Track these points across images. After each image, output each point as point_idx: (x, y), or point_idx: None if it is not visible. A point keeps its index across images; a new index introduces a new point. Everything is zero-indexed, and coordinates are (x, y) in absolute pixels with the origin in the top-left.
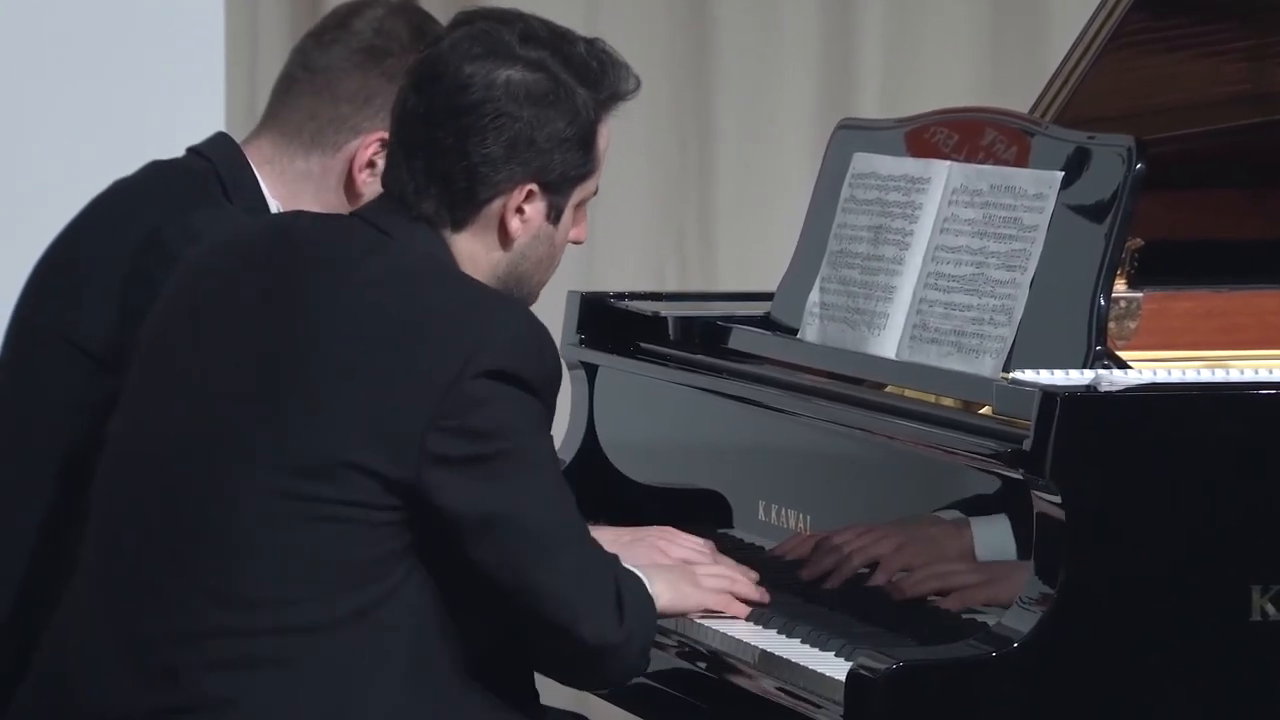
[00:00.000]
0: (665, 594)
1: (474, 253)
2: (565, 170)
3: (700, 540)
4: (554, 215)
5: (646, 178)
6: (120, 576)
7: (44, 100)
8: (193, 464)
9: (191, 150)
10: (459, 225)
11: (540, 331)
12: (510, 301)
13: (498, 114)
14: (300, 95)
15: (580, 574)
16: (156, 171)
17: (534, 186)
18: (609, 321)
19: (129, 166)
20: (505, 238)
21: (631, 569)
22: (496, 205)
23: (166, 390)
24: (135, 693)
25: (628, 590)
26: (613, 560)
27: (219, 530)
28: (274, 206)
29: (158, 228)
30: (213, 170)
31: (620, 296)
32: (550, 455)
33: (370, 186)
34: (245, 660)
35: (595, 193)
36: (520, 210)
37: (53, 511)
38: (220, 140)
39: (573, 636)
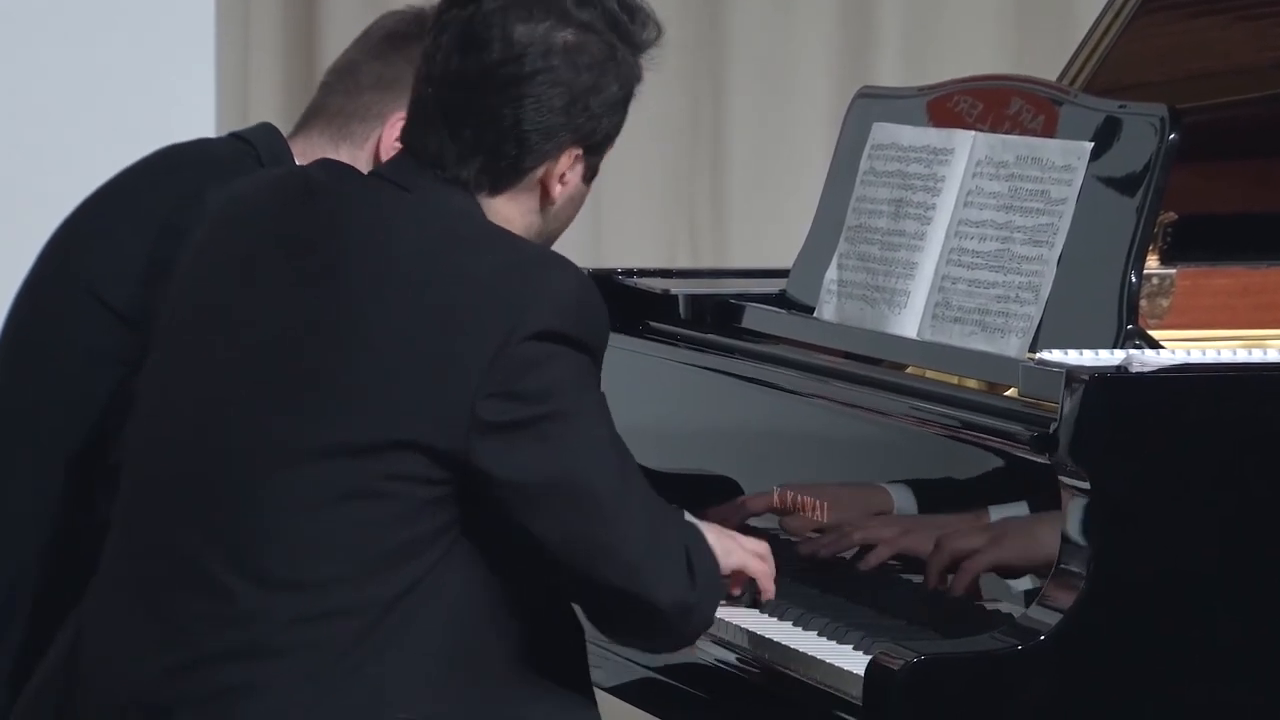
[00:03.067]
0: (714, 546)
1: (509, 216)
2: (609, 132)
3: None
4: (589, 175)
5: (657, 150)
6: (149, 554)
7: (32, 94)
8: (228, 440)
9: (233, 135)
10: (496, 191)
11: (588, 288)
12: (556, 259)
13: (556, 82)
14: (328, 95)
15: (650, 534)
16: (196, 144)
17: (580, 151)
18: (617, 299)
19: (118, 159)
20: (546, 202)
21: (690, 519)
22: (540, 172)
23: (194, 364)
24: (163, 674)
25: (695, 545)
26: (677, 514)
27: (255, 508)
28: None
29: (198, 188)
30: (253, 153)
31: (629, 273)
32: (604, 412)
33: None
34: (277, 642)
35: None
36: (563, 175)
37: (71, 466)
38: (263, 128)
39: (647, 601)
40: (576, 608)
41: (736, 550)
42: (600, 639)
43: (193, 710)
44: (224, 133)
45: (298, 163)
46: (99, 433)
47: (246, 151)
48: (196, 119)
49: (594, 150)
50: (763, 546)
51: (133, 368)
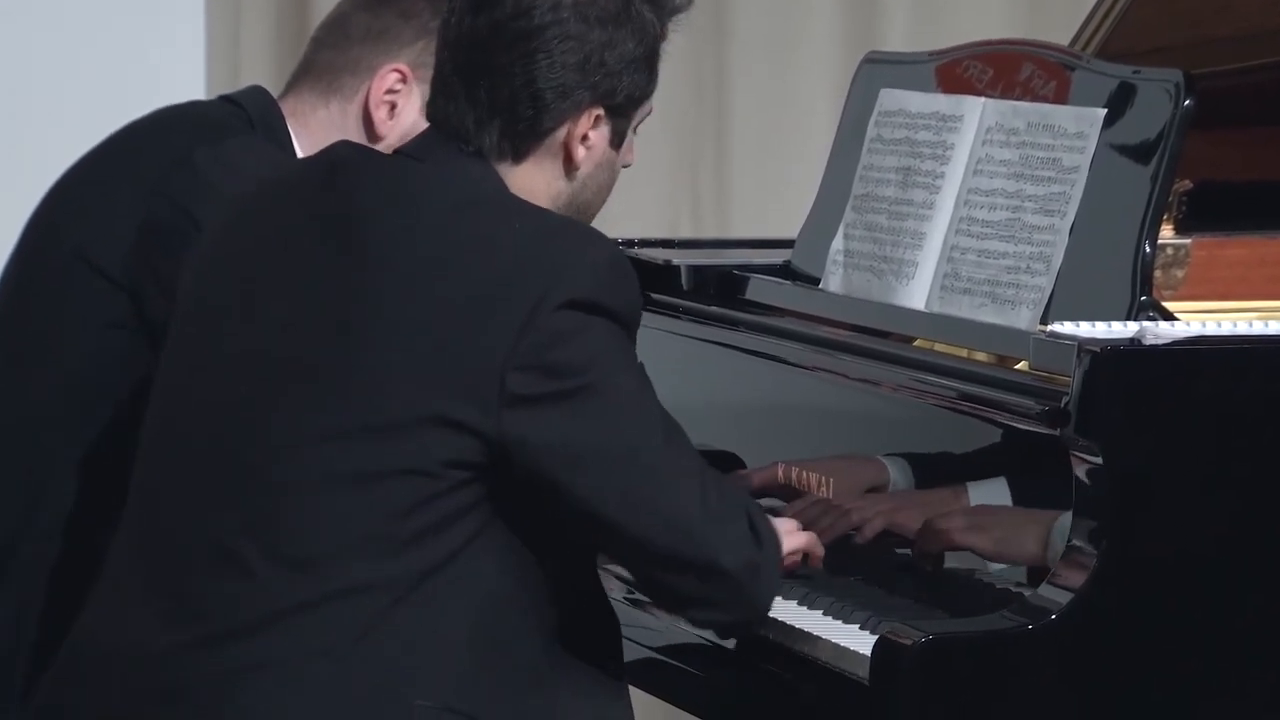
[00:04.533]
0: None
1: (533, 185)
2: (631, 92)
3: None
4: (617, 140)
5: (658, 117)
6: (165, 533)
7: (21, 59)
8: (251, 422)
9: (224, 98)
10: (520, 157)
11: (620, 259)
12: (586, 228)
13: (566, 36)
14: (317, 50)
15: (704, 497)
16: (186, 106)
17: (600, 111)
18: None
19: (108, 124)
20: (570, 166)
21: None
22: (561, 133)
23: (215, 347)
24: (175, 651)
25: (756, 507)
26: (724, 479)
27: (279, 486)
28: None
29: (189, 150)
30: (245, 116)
31: (630, 243)
32: (643, 381)
33: (388, 127)
34: (295, 619)
35: (649, 113)
36: (585, 137)
37: (69, 437)
38: (253, 90)
39: (713, 565)
40: (615, 598)
41: (790, 534)
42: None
43: (207, 688)
44: (214, 97)
45: (289, 122)
46: (95, 400)
47: (236, 114)
48: (186, 84)
49: (617, 111)
50: (794, 527)
51: (128, 332)
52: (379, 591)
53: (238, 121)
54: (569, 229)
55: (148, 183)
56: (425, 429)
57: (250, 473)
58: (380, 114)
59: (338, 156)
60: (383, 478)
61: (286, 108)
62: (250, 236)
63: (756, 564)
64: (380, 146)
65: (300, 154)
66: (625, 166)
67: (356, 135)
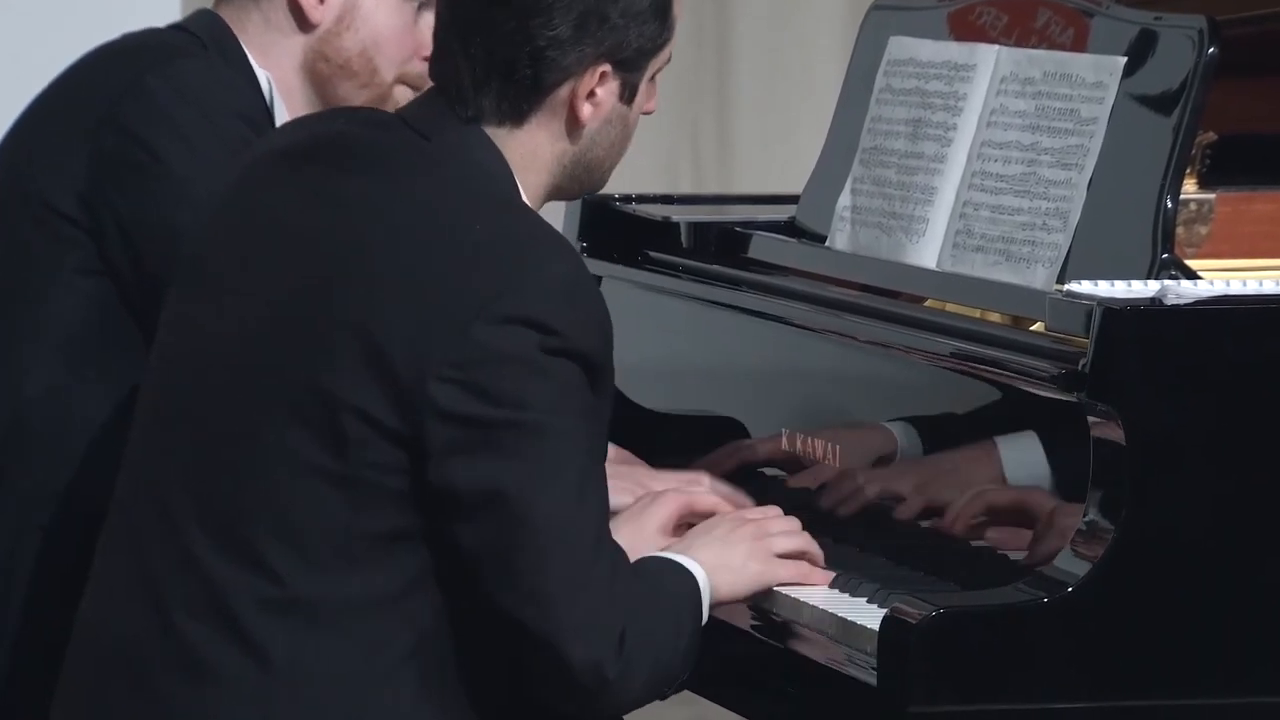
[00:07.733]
0: (727, 582)
1: (536, 147)
2: (641, 45)
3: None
4: (628, 94)
5: None
6: (138, 506)
7: None
8: (219, 404)
9: (174, 25)
10: (521, 119)
11: (584, 281)
12: (556, 243)
13: None
14: None
15: (581, 583)
16: (138, 34)
17: (607, 67)
18: (614, 227)
19: (80, 50)
20: (575, 126)
21: (679, 561)
22: (564, 91)
23: (203, 321)
24: (141, 628)
25: (638, 626)
26: (629, 575)
27: (234, 476)
28: (261, 75)
29: (138, 76)
30: (198, 41)
31: (627, 199)
32: (584, 435)
33: (320, 13)
34: (234, 628)
35: (669, 60)
36: (592, 94)
37: (37, 382)
38: (203, 15)
39: (557, 656)
40: None
41: (764, 572)
42: None
43: (164, 669)
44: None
45: (236, 34)
46: (75, 355)
47: (191, 40)
48: (160, 13)
49: (627, 66)
50: (799, 539)
51: (97, 277)
52: (309, 609)
53: (193, 46)
54: (530, 241)
55: (97, 112)
56: (354, 423)
57: (211, 459)
58: (310, 1)
59: (337, 129)
60: (321, 476)
61: (229, 15)
62: (242, 215)
63: (605, 678)
64: (317, 35)
65: (258, 69)
66: (646, 113)
67: (289, 31)
